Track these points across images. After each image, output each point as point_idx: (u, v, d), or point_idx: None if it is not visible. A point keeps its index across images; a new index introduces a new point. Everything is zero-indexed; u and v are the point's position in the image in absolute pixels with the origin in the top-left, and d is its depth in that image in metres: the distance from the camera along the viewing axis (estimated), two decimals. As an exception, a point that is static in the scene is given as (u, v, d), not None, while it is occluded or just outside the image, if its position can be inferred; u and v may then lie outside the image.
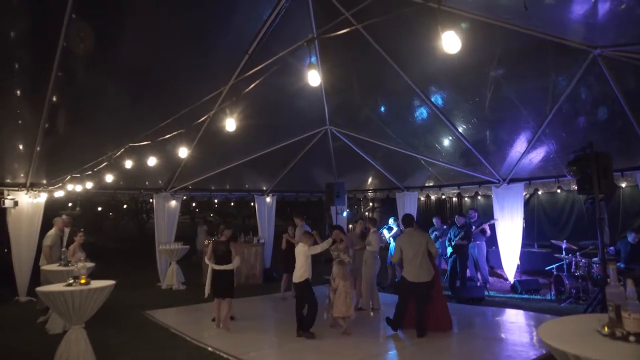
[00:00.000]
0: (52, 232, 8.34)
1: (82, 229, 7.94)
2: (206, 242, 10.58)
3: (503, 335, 6.64)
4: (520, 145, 8.48)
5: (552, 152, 8.39)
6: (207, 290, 7.05)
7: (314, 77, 4.35)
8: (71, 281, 5.14)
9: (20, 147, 7.77)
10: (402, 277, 6.63)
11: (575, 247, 8.69)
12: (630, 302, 2.71)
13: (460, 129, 8.63)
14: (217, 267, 6.78)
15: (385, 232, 10.61)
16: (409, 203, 12.04)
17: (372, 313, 8.01)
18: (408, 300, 6.57)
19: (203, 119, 6.57)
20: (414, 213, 11.92)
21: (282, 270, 9.33)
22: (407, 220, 6.98)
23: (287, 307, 8.48)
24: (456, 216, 10.38)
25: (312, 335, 6.38)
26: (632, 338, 2.61)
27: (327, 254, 7.13)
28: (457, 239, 9.67)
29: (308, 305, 6.49)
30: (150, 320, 7.64)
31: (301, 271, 6.45)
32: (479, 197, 12.07)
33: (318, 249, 6.53)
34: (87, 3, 5.06)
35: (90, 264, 6.83)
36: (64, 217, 8.71)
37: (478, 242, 10.34)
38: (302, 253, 6.47)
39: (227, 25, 6.40)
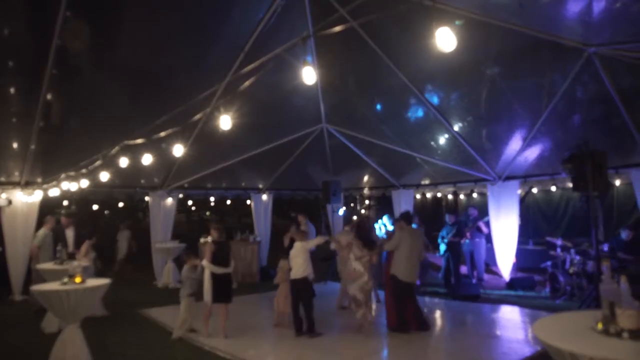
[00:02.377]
0: (41, 231, 8.31)
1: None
2: (202, 240, 10.56)
3: (498, 332, 6.68)
4: (515, 143, 8.51)
5: (548, 150, 8.43)
6: (207, 297, 6.31)
7: (309, 75, 4.35)
8: (66, 280, 5.12)
9: (14, 145, 7.71)
10: (393, 275, 6.45)
11: (570, 245, 8.74)
12: (624, 299, 2.74)
13: (456, 127, 8.65)
14: (222, 271, 6.26)
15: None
16: (405, 201, 12.04)
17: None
18: (404, 300, 6.56)
19: (199, 116, 6.56)
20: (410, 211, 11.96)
21: None
22: (410, 218, 6.98)
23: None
24: (447, 214, 10.40)
25: (318, 333, 6.35)
26: (625, 334, 2.63)
27: (324, 253, 7.13)
28: (449, 236, 9.72)
29: (303, 304, 6.39)
30: (146, 319, 7.63)
31: (302, 268, 6.40)
32: (475, 195, 12.10)
33: (313, 243, 6.63)
34: (82, 1, 5.02)
35: (86, 264, 6.81)
36: (63, 217, 8.73)
37: (477, 239, 10.39)
38: (301, 249, 6.46)
39: (224, 22, 6.38)
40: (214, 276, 6.24)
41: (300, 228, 9.15)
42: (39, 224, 9.11)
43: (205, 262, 6.26)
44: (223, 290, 6.30)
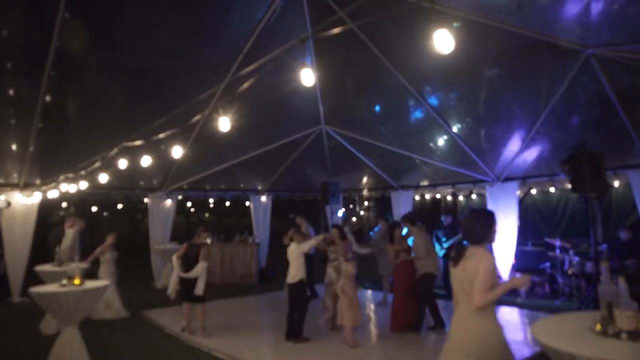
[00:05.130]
0: (70, 232, 8.24)
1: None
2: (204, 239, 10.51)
3: (497, 333, 6.67)
4: (514, 144, 8.52)
5: (546, 151, 8.43)
6: (170, 290, 6.60)
7: (308, 77, 4.36)
8: (65, 282, 5.11)
9: (13, 146, 7.71)
10: (428, 273, 6.64)
11: (568, 245, 8.74)
12: (622, 300, 2.74)
13: (454, 128, 8.66)
14: (182, 275, 6.46)
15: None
16: (404, 202, 12.05)
17: None
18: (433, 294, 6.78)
19: (198, 118, 6.56)
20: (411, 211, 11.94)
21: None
22: (413, 218, 7.17)
23: (283, 307, 8.47)
24: (442, 216, 10.38)
25: (306, 339, 6.27)
26: (624, 335, 2.64)
27: (324, 254, 7.06)
28: (455, 238, 9.68)
29: (297, 309, 6.28)
30: (145, 320, 7.62)
31: (294, 271, 6.25)
32: (474, 196, 12.10)
33: (307, 246, 6.37)
34: (80, 2, 5.03)
35: (85, 266, 6.80)
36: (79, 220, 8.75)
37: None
38: (294, 251, 6.31)
39: (222, 24, 6.38)
40: (180, 276, 6.56)
41: (302, 230, 9.08)
42: (38, 225, 9.11)
43: (174, 258, 6.64)
44: (187, 288, 6.49)
